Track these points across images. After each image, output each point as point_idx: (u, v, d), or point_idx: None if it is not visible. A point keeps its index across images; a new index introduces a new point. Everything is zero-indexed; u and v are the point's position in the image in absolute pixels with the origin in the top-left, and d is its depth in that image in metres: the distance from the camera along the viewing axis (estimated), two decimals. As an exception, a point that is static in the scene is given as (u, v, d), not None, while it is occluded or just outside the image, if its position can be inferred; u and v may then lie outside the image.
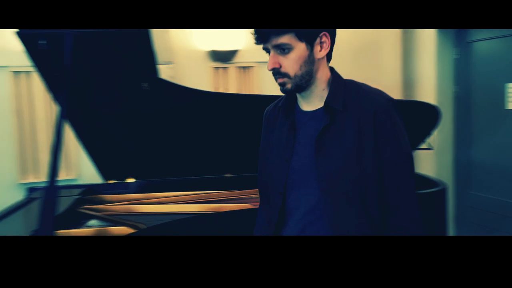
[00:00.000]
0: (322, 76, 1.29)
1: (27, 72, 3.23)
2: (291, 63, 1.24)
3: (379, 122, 1.24)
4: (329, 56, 1.31)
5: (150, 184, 2.56)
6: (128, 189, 2.52)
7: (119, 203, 2.30)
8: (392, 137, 1.25)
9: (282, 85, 1.27)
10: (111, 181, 2.53)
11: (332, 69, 1.33)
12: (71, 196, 2.33)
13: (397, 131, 1.26)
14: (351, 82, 1.33)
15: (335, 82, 1.31)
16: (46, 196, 1.52)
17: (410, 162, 1.29)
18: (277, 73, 1.26)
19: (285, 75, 1.25)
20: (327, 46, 1.26)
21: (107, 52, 1.83)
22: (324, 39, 1.24)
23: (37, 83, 3.25)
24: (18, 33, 1.71)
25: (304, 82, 1.26)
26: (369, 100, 1.26)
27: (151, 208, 2.22)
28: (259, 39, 1.23)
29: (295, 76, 1.25)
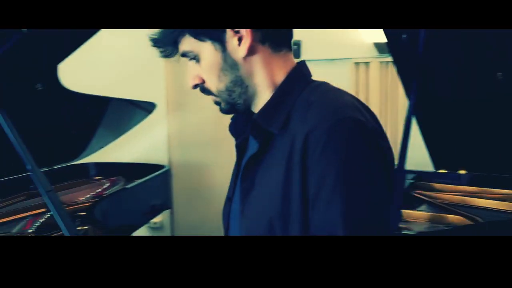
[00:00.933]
0: (266, 80, 0.88)
1: (366, 63, 3.55)
2: (207, 76, 0.89)
3: (313, 150, 0.78)
4: (279, 46, 0.88)
5: (481, 178, 2.45)
6: (459, 180, 2.48)
7: (451, 193, 2.30)
8: (331, 174, 0.77)
9: (217, 105, 0.92)
10: (442, 171, 2.55)
11: (297, 65, 0.91)
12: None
13: (342, 167, 0.77)
14: (314, 88, 0.88)
15: (283, 87, 0.88)
16: (396, 178, 1.68)
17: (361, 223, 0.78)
18: (203, 90, 0.92)
19: (210, 92, 0.91)
20: (249, 36, 0.84)
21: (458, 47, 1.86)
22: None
23: (373, 74, 3.54)
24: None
25: (237, 97, 0.89)
26: (310, 117, 0.81)
27: (487, 203, 2.14)
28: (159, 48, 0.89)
29: (219, 92, 0.89)
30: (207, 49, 0.87)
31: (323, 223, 0.79)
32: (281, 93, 0.88)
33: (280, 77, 0.89)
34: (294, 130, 0.83)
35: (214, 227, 3.69)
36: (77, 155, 3.02)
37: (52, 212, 1.53)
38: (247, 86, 0.88)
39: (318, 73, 3.66)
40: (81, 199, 2.41)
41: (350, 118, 0.79)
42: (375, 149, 0.81)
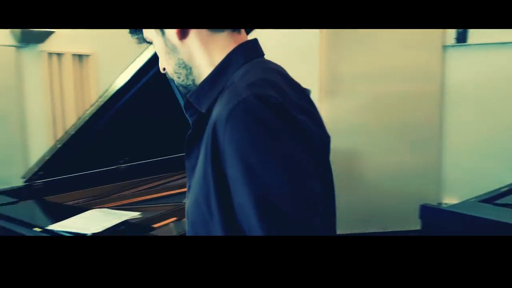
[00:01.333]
0: (205, 61, 0.88)
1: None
2: (160, 60, 0.94)
3: (221, 135, 0.76)
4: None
5: None
6: None
7: None
8: (235, 155, 0.74)
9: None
10: None
11: (240, 44, 0.88)
12: None
13: (248, 148, 0.73)
14: (243, 67, 0.85)
15: (219, 67, 0.87)
16: None
17: (268, 201, 0.72)
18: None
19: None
20: None
21: None
22: None
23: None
24: None
25: (185, 79, 0.91)
26: (222, 101, 0.80)
27: None
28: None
29: (171, 75, 0.93)
30: (152, 35, 0.92)
31: (240, 208, 0.76)
32: (217, 72, 0.87)
33: (220, 57, 0.87)
34: (214, 112, 0.81)
35: (363, 213, 3.66)
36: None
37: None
38: (191, 68, 0.90)
39: (485, 59, 3.37)
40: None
41: (251, 96, 0.74)
42: (288, 122, 0.74)
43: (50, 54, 3.57)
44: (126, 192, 2.25)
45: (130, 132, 2.19)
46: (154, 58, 1.72)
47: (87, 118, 1.91)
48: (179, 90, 1.01)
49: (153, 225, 1.69)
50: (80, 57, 3.76)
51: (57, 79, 3.63)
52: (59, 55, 3.63)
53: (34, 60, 3.52)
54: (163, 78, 1.76)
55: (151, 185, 2.39)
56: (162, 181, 2.45)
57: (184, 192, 2.20)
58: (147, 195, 2.24)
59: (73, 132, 1.94)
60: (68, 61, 3.67)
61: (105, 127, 1.99)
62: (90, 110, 1.92)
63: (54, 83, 3.61)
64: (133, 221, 1.62)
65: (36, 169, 2.08)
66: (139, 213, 1.70)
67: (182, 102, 1.77)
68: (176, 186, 2.36)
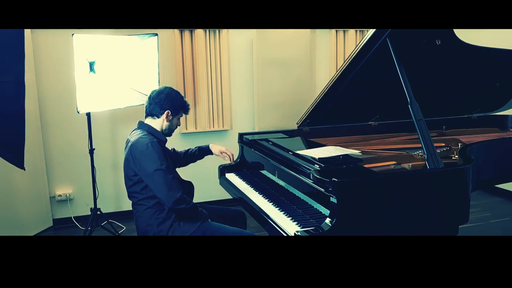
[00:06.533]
0: None
1: None
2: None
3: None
4: None
5: None
6: None
7: None
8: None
9: None
10: None
11: None
12: None
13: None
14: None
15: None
16: None
17: None
18: None
19: None
20: None
21: None
22: None
23: None
24: None
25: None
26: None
27: None
28: None
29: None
30: None
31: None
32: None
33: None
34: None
35: None
36: (497, 107, 3.23)
37: (421, 139, 2.02)
38: None
39: None
40: (474, 140, 2.68)
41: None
42: None
43: (337, 31, 4.34)
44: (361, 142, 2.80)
45: (374, 97, 2.68)
46: (376, 36, 2.17)
47: (334, 78, 2.52)
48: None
49: (372, 163, 2.17)
50: (362, 32, 4.40)
51: (341, 51, 4.38)
52: (344, 31, 4.35)
53: (325, 37, 4.36)
54: (385, 58, 2.14)
55: (386, 140, 2.86)
56: (393, 138, 2.88)
57: (411, 148, 2.58)
58: (381, 145, 2.72)
59: (326, 90, 2.59)
60: (352, 36, 4.36)
61: (347, 88, 2.55)
62: (336, 73, 2.52)
63: (339, 55, 4.39)
64: (354, 156, 2.14)
65: (304, 117, 2.85)
66: (359, 151, 2.22)
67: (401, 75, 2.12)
68: (405, 141, 2.75)
